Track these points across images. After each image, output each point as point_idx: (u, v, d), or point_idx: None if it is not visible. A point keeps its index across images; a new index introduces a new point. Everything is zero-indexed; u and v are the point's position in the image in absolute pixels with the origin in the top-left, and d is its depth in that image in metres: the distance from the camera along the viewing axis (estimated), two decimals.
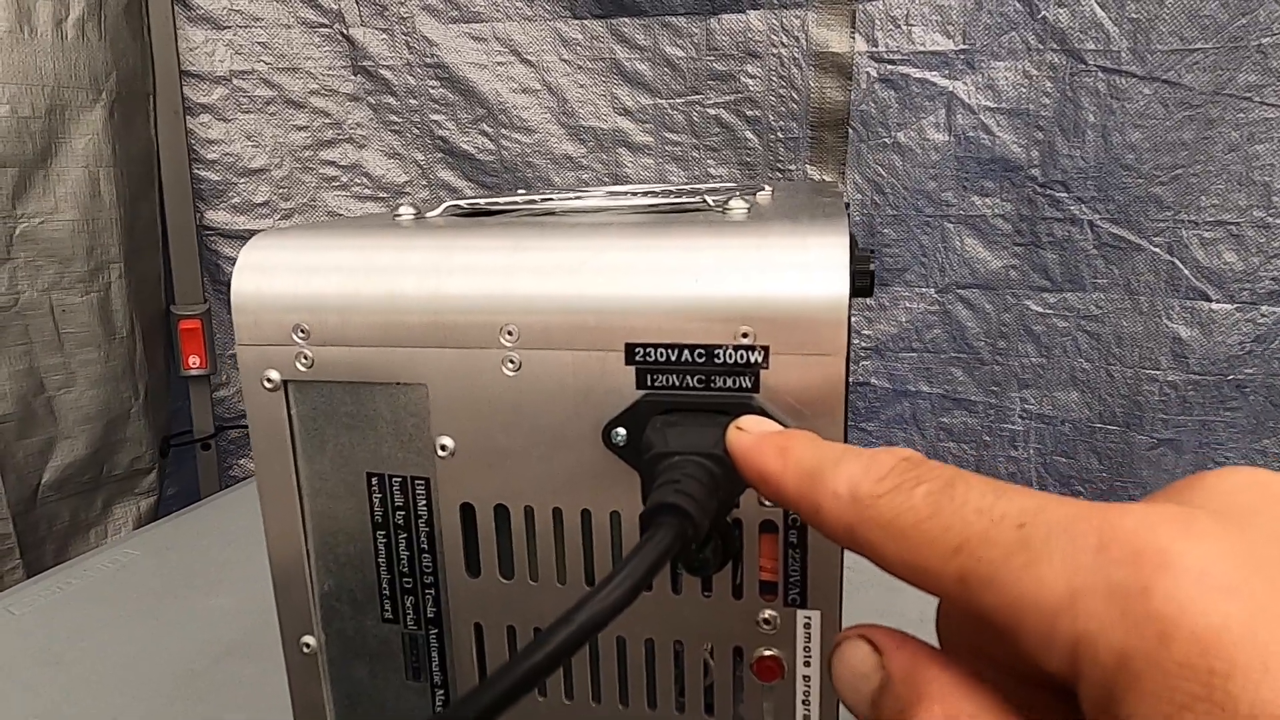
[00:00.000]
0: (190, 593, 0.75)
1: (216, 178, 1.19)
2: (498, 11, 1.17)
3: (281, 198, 1.21)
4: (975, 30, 1.07)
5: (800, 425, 0.29)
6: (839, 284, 0.29)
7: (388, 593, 0.35)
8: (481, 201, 0.41)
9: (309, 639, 0.36)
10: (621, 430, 0.30)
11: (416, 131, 1.21)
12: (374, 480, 0.34)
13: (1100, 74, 1.03)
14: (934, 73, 1.09)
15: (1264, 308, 1.08)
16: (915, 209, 1.15)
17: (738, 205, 0.35)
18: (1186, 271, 1.10)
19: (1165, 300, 1.12)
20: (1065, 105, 1.06)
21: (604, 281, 0.30)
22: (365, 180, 1.22)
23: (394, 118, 1.21)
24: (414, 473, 0.33)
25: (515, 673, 0.21)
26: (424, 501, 0.33)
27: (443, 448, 0.32)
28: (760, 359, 0.29)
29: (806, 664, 0.32)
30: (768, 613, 0.31)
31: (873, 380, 1.25)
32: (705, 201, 0.37)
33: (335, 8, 1.16)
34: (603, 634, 0.34)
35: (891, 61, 1.10)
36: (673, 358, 0.30)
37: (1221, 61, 0.99)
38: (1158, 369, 1.15)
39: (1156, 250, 1.10)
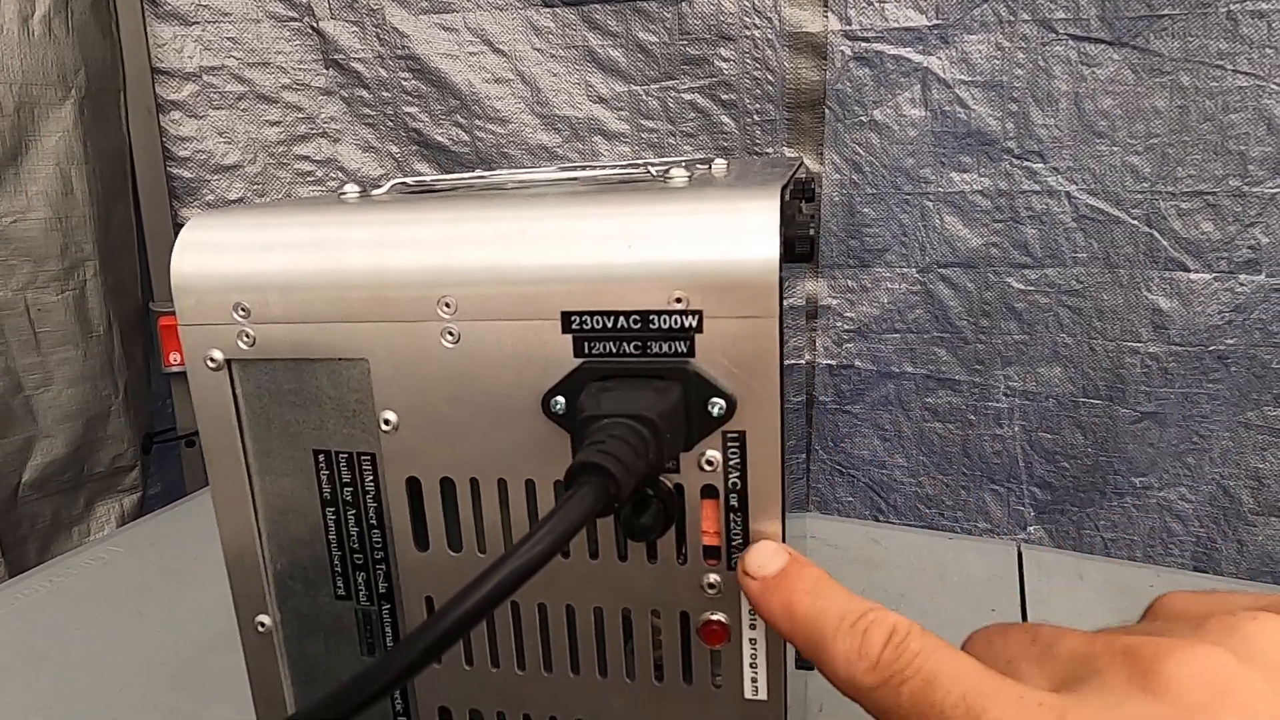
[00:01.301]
0: (176, 588, 0.75)
1: (190, 175, 1.19)
2: (468, 2, 1.16)
3: (256, 194, 1.21)
4: (947, 4, 1.07)
5: (736, 388, 0.29)
6: (770, 247, 0.29)
7: (339, 569, 0.35)
8: (428, 179, 0.41)
9: (264, 618, 0.36)
10: (561, 399, 0.31)
11: (390, 124, 1.21)
12: (321, 457, 0.34)
13: (1070, 41, 1.04)
14: (908, 49, 1.09)
15: (1242, 276, 1.08)
16: (894, 187, 1.15)
17: (678, 174, 0.35)
18: (1165, 242, 1.11)
19: (1144, 272, 1.12)
20: (1038, 75, 1.07)
21: (538, 251, 0.31)
22: (340, 175, 1.22)
23: (367, 111, 1.21)
24: (360, 448, 0.34)
25: (437, 628, 0.21)
26: (371, 477, 0.34)
27: (386, 422, 0.33)
28: (694, 324, 0.29)
29: (752, 627, 0.32)
30: (712, 577, 0.32)
31: (857, 363, 1.25)
32: (648, 171, 0.37)
33: (304, 1, 1.16)
34: (552, 603, 0.34)
35: (865, 39, 1.10)
36: (608, 325, 0.30)
37: (1190, 28, 1.00)
38: (1139, 341, 1.15)
39: (1135, 222, 1.10)
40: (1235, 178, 1.05)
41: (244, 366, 0.34)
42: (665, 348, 0.30)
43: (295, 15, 1.18)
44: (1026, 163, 1.12)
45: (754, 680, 0.32)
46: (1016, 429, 1.27)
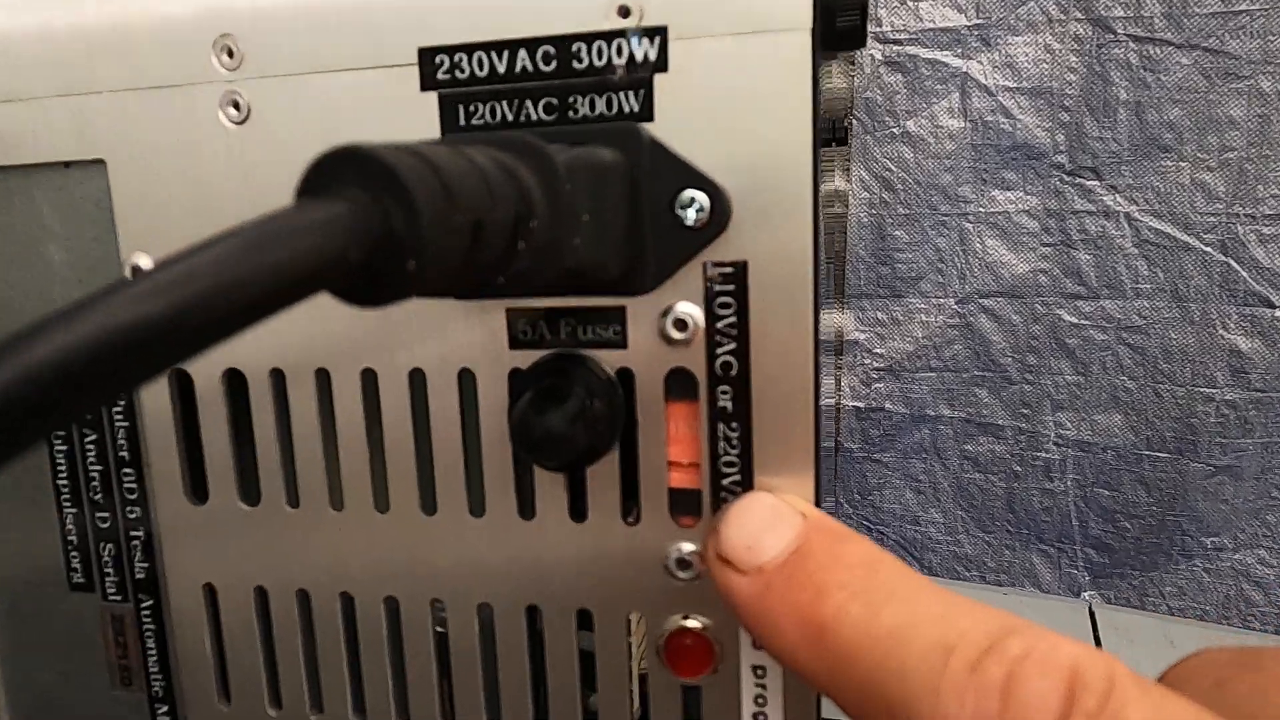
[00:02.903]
0: None
1: None
2: None
3: None
4: (989, 3, 0.96)
5: (729, 175, 0.16)
6: None
7: (75, 540, 0.21)
8: None
9: None
10: None
11: None
12: None
13: (1131, 44, 0.92)
14: (945, 52, 0.98)
15: None
16: (929, 207, 1.03)
17: None
18: (1244, 273, 0.97)
19: (1220, 307, 0.99)
20: (1093, 81, 0.95)
21: None
22: None
23: None
24: None
25: None
26: None
27: (135, 274, 0.19)
28: (653, 54, 0.15)
29: (758, 644, 0.17)
30: (685, 548, 0.17)
31: (887, 405, 1.11)
32: None
33: None
34: (407, 598, 0.19)
35: (898, 41, 0.98)
36: (499, 68, 0.16)
37: (1271, 26, 0.88)
38: (1214, 387, 1.01)
39: (1208, 249, 0.97)
40: None
41: None
42: (600, 106, 0.16)
43: None
44: (1080, 180, 0.99)
45: None
46: (1069, 483, 1.12)
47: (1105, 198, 0.99)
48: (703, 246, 0.16)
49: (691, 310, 0.16)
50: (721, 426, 0.17)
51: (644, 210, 0.15)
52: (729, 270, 0.16)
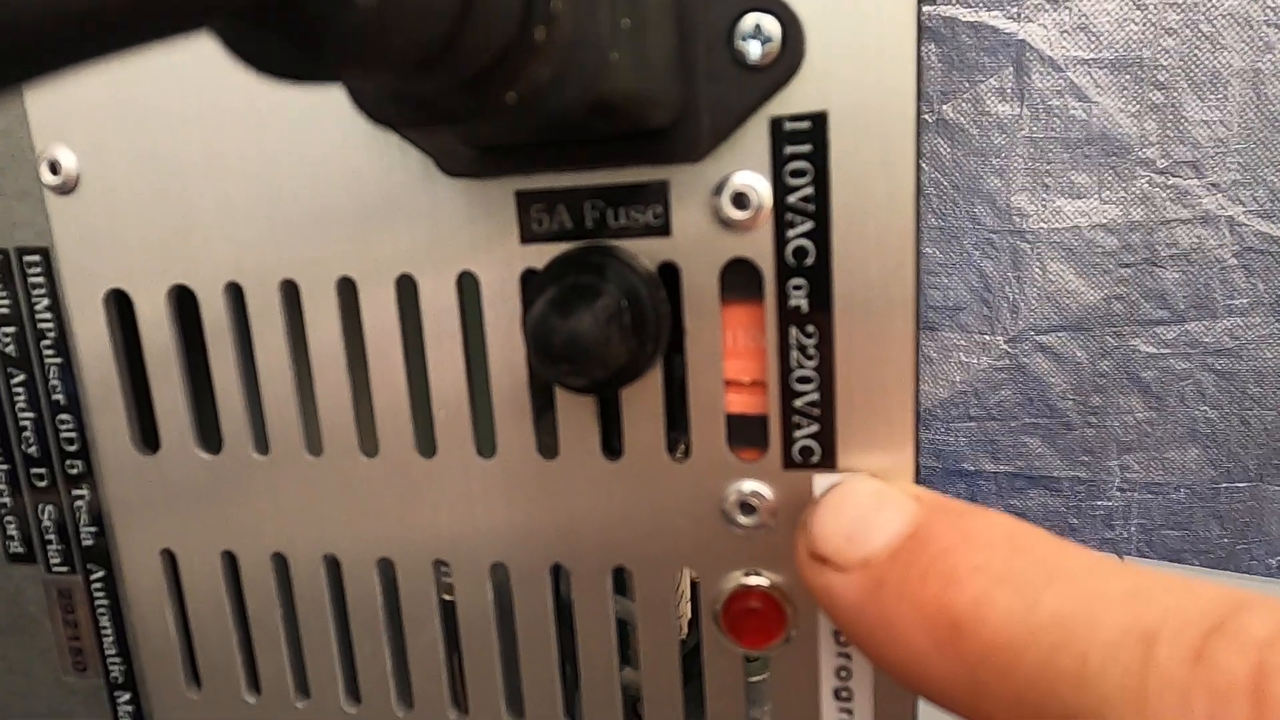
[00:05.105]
0: None
1: None
2: None
3: None
4: None
5: (809, 6, 0.13)
6: None
7: (8, 504, 0.19)
8: None
9: None
10: None
11: None
12: None
13: None
14: (994, 13, 0.90)
15: None
16: (972, 219, 0.98)
17: None
18: None
19: None
20: (1198, 46, 0.87)
21: None
22: None
23: None
24: (20, 242, 0.18)
25: None
26: (45, 299, 0.18)
27: (54, 170, 0.17)
28: None
29: None
30: (746, 487, 0.15)
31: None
32: None
33: None
34: (405, 561, 0.17)
35: (932, 0, 0.92)
36: None
37: None
38: None
39: None
40: None
41: None
42: None
43: None
44: (1174, 179, 0.91)
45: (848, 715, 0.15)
46: (1133, 529, 1.07)
47: (1204, 199, 0.92)
48: (770, 93, 0.14)
49: (754, 181, 0.14)
50: (794, 332, 0.14)
51: (695, 42, 0.13)
52: (804, 125, 0.14)
